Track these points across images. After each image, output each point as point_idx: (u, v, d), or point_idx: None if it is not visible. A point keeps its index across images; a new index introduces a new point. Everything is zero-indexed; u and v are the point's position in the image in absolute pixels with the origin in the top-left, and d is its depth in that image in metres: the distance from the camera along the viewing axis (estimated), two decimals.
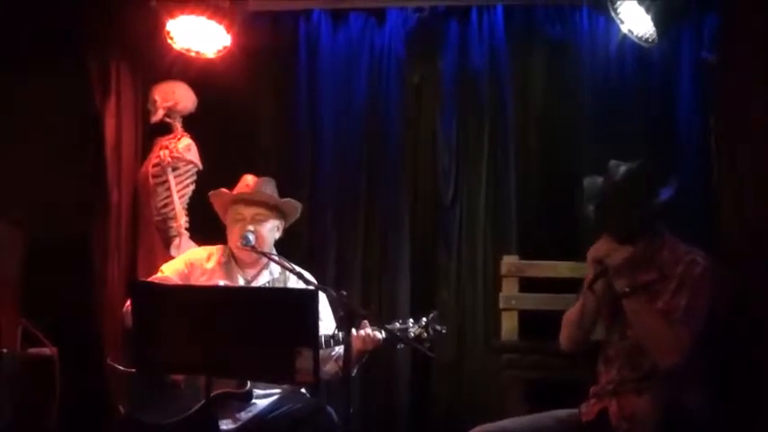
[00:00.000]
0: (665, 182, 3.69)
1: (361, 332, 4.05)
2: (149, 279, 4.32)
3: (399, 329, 4.18)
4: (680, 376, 3.50)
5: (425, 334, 4.18)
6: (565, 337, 3.83)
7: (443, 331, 4.25)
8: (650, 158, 3.82)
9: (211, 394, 3.50)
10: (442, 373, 4.97)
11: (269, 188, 4.41)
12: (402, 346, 4.34)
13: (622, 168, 3.74)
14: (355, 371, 4.12)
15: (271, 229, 4.35)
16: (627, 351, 3.65)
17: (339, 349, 4.13)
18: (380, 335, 4.08)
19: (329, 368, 4.17)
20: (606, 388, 3.69)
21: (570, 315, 3.81)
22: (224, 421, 3.99)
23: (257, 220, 4.30)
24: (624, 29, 4.82)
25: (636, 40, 4.83)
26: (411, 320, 4.23)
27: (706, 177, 4.83)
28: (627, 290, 3.57)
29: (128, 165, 5.03)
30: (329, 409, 4.00)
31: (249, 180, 4.42)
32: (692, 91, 4.98)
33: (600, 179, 3.81)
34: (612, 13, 4.77)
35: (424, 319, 4.21)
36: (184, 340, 3.37)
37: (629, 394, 3.59)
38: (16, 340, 4.37)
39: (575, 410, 3.73)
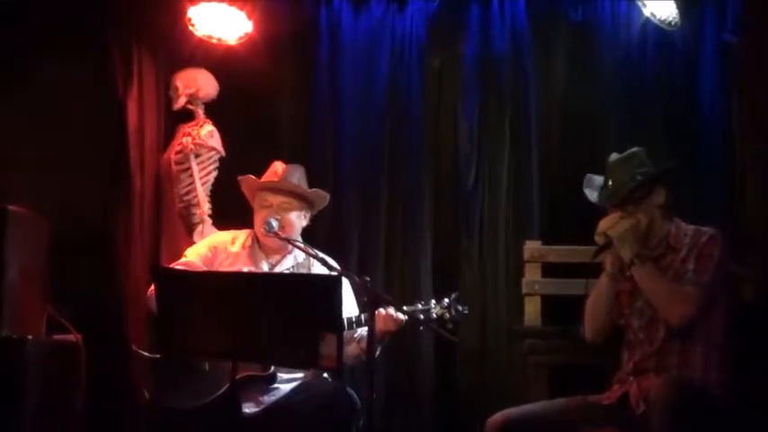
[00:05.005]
0: (662, 160, 3.86)
1: (382, 310, 4.02)
2: (173, 264, 4.33)
3: (421, 311, 4.17)
4: (696, 344, 3.58)
5: (447, 315, 4.18)
6: (588, 327, 3.87)
7: (466, 312, 4.24)
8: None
9: (235, 378, 3.50)
10: (465, 358, 4.97)
11: (296, 176, 4.39)
12: (423, 327, 4.34)
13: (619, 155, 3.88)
14: (378, 352, 4.12)
15: (298, 217, 4.35)
16: (644, 327, 3.72)
17: (362, 331, 4.14)
18: (402, 315, 4.08)
19: (351, 350, 4.17)
20: (627, 368, 3.73)
21: (589, 302, 3.86)
22: (247, 404, 4.00)
23: (284, 209, 4.29)
24: (646, 12, 4.82)
25: (658, 23, 4.82)
26: (433, 301, 4.23)
27: (729, 161, 4.81)
28: (634, 259, 3.64)
29: (150, 151, 5.03)
30: (352, 393, 4.01)
31: (278, 167, 4.40)
32: (715, 74, 4.96)
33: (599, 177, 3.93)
34: None
35: (446, 299, 4.21)
36: (209, 326, 3.38)
37: (648, 374, 3.62)
38: (41, 327, 4.39)
39: (597, 396, 3.75)
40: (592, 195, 3.92)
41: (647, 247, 3.72)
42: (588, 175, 3.98)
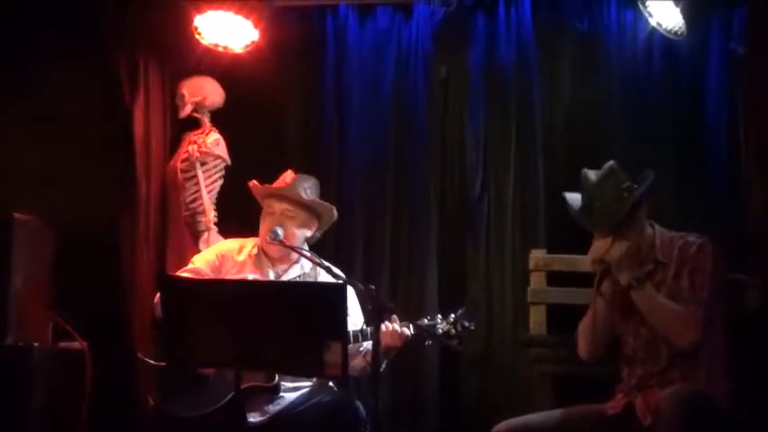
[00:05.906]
0: (640, 175, 3.77)
1: (389, 326, 4.03)
2: (180, 271, 4.33)
3: (427, 326, 4.17)
4: (700, 356, 3.56)
5: (453, 330, 4.17)
6: (583, 348, 3.87)
7: (472, 328, 4.23)
8: (618, 160, 3.84)
9: (240, 387, 3.50)
10: (470, 367, 4.96)
11: (305, 185, 4.38)
12: (430, 342, 4.34)
13: (595, 173, 3.79)
14: (384, 366, 4.12)
15: (301, 227, 4.33)
16: (644, 347, 3.70)
17: (367, 344, 4.13)
18: (408, 330, 4.08)
19: (356, 363, 4.16)
20: (630, 383, 3.72)
21: (584, 325, 3.86)
22: (252, 414, 3.99)
23: (286, 216, 4.28)
24: (652, 21, 4.80)
25: (664, 32, 4.81)
26: (439, 316, 4.22)
27: (735, 169, 4.80)
28: (633, 282, 3.62)
29: (156, 159, 5.05)
30: (357, 402, 4.00)
31: (288, 176, 4.39)
32: (721, 83, 4.95)
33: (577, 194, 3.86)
34: (641, 6, 4.77)
35: (453, 315, 4.20)
36: (214, 334, 3.38)
37: (653, 388, 3.61)
38: (47, 334, 4.39)
39: (601, 405, 3.74)
40: (579, 218, 3.85)
41: (638, 264, 3.70)
42: (568, 195, 3.91)
